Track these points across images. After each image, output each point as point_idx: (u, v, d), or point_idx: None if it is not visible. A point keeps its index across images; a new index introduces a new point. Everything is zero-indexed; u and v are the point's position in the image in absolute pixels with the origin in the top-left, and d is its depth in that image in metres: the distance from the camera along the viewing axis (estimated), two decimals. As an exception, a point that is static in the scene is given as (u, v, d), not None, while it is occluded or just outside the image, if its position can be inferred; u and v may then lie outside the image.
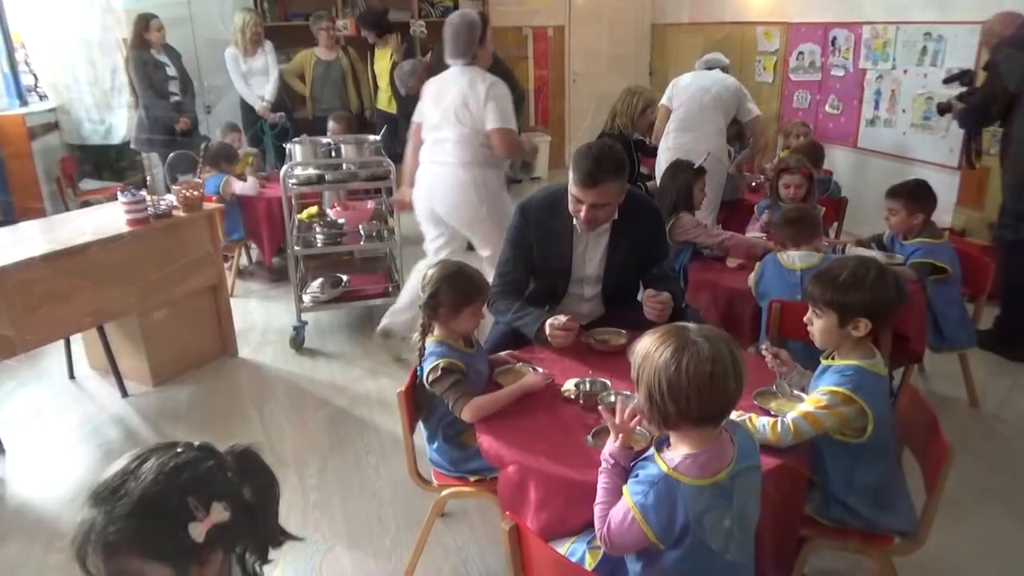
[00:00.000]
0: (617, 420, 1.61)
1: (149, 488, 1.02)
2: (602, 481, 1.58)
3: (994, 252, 3.83)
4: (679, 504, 1.41)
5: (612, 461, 1.59)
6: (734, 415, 1.77)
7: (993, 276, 3.22)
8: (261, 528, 1.14)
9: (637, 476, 1.51)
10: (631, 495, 1.47)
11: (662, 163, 4.31)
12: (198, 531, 1.02)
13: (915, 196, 3.14)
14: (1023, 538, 2.50)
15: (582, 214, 2.39)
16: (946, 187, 4.98)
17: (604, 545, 1.52)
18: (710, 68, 4.72)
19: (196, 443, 1.10)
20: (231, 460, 1.11)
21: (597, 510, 1.54)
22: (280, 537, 1.17)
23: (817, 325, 1.92)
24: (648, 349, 1.46)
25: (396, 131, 5.17)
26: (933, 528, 1.85)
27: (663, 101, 4.57)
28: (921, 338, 2.98)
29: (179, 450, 1.08)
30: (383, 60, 6.07)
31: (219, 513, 1.04)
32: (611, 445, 1.61)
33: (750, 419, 1.79)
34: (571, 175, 2.36)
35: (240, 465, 1.12)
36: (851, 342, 1.87)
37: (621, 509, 1.48)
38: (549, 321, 2.34)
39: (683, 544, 1.43)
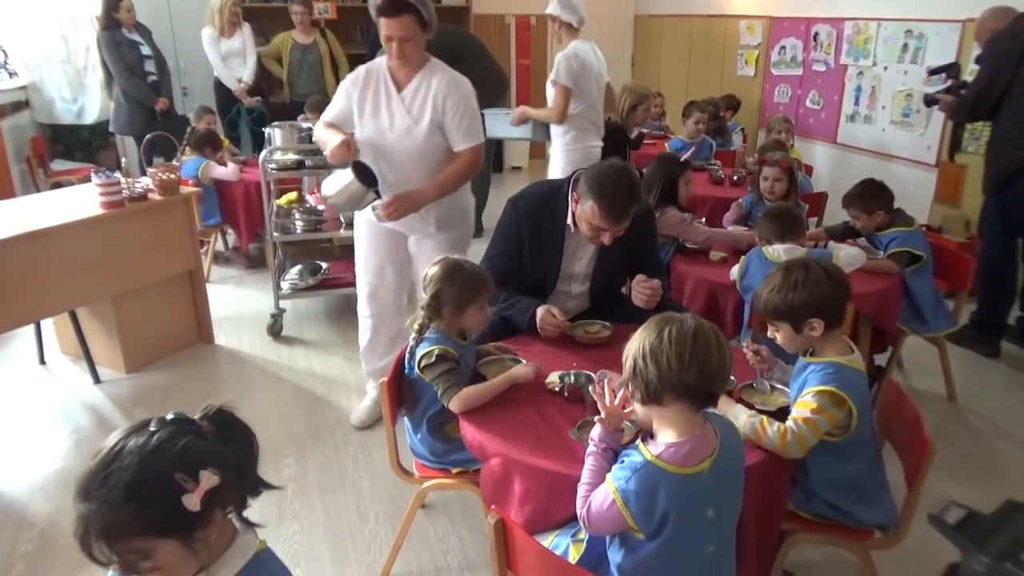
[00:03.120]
0: (607, 403, 1.61)
1: (135, 474, 1.03)
2: (589, 463, 1.58)
3: (973, 248, 3.88)
4: (660, 492, 1.41)
5: (603, 445, 1.58)
6: (746, 418, 1.79)
7: (973, 272, 3.26)
8: (248, 480, 1.19)
9: (622, 463, 1.51)
10: (613, 480, 1.47)
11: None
12: (192, 502, 1.05)
13: (865, 198, 3.22)
14: (996, 532, 2.53)
15: (605, 240, 2.36)
16: (924, 184, 5.05)
17: (583, 525, 1.53)
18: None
19: (169, 416, 1.11)
20: (207, 423, 1.14)
21: (581, 490, 1.55)
22: (260, 487, 1.21)
23: (780, 338, 1.93)
24: (637, 333, 1.51)
25: None
26: (912, 522, 1.86)
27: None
28: (893, 322, 3.04)
29: (154, 428, 1.09)
30: None
31: (208, 479, 1.06)
32: (601, 428, 1.60)
33: (762, 423, 1.78)
34: (593, 207, 2.27)
35: (217, 426, 1.15)
36: (823, 340, 1.87)
37: (603, 492, 1.49)
38: (541, 313, 2.33)
39: (663, 533, 1.44)
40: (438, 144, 2.75)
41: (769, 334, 1.98)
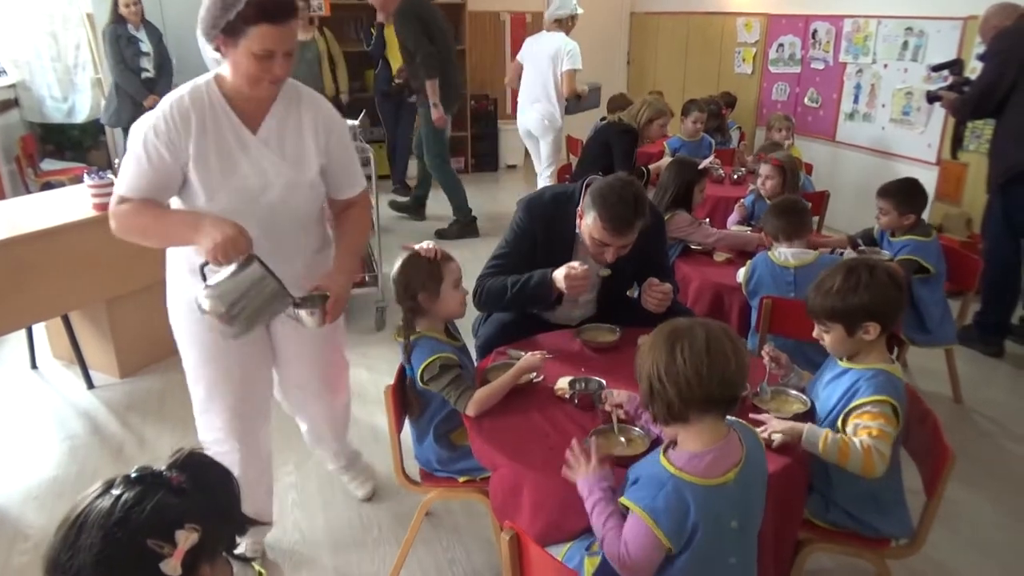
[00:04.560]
0: (593, 457, 1.56)
1: (101, 551, 0.92)
2: (600, 508, 1.49)
3: (975, 246, 3.86)
4: (690, 505, 1.36)
5: (604, 485, 1.52)
6: (826, 437, 1.72)
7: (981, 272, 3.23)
8: (231, 524, 1.10)
9: (636, 482, 1.46)
10: (637, 501, 1.41)
11: None
12: (172, 567, 0.95)
13: (906, 196, 3.15)
14: (1009, 533, 2.51)
15: (609, 256, 2.30)
16: (924, 182, 4.98)
17: (620, 566, 1.43)
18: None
19: (133, 473, 0.99)
20: (177, 474, 1.02)
21: (609, 536, 1.46)
22: (246, 525, 1.12)
23: (828, 340, 1.87)
24: (646, 345, 1.45)
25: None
26: (921, 526, 1.84)
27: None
28: (898, 324, 2.99)
29: (118, 491, 0.97)
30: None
31: (187, 539, 0.96)
32: (592, 473, 1.54)
33: (844, 443, 1.71)
34: (596, 220, 2.23)
35: (189, 475, 1.03)
36: (871, 346, 1.83)
37: (632, 521, 1.42)
38: (567, 265, 2.26)
39: (690, 546, 1.39)
40: (319, 195, 2.08)
41: (815, 334, 1.91)
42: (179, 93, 1.87)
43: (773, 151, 4.20)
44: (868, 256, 2.53)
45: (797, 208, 2.85)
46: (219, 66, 1.90)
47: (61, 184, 4.98)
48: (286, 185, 1.95)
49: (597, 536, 1.50)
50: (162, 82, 5.43)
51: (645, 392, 1.43)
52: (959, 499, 2.65)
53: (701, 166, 3.46)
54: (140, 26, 5.32)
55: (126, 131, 5.20)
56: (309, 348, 2.22)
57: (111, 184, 3.29)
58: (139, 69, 5.34)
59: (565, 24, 5.33)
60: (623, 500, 1.45)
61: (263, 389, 2.23)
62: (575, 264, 2.26)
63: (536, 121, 5.44)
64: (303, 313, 1.91)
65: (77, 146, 6.37)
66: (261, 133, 1.92)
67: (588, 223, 2.28)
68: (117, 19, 5.24)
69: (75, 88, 6.16)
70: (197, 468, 1.05)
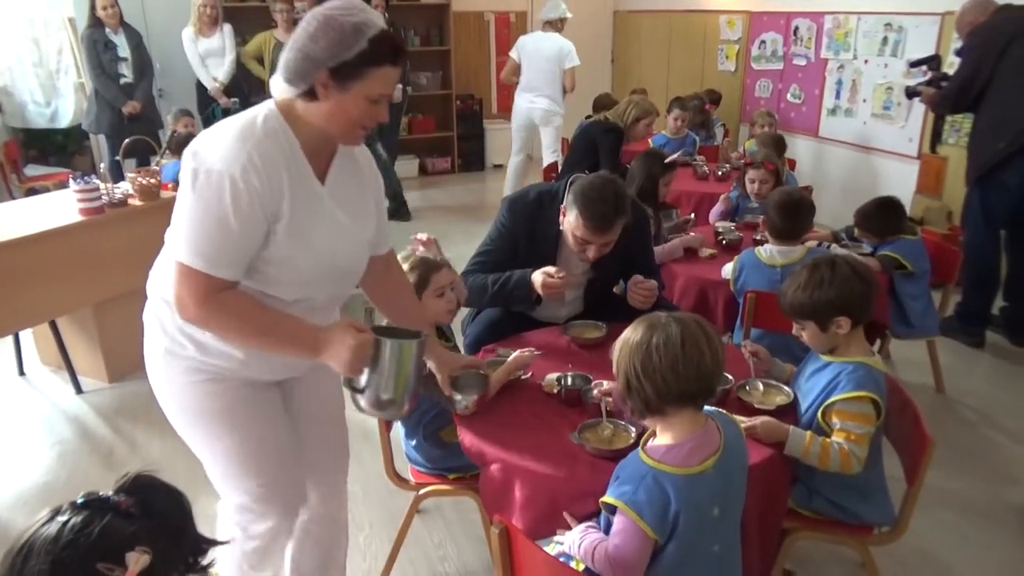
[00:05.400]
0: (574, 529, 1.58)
1: None
2: (588, 537, 1.51)
3: (955, 238, 3.91)
4: (670, 494, 1.39)
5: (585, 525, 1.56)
6: (808, 441, 1.77)
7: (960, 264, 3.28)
8: (185, 545, 1.08)
9: (619, 478, 1.49)
10: (620, 496, 1.43)
11: None
12: None
13: (883, 223, 3.15)
14: (989, 521, 2.56)
15: (591, 254, 2.33)
16: (905, 176, 5.09)
17: (612, 571, 1.44)
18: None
19: (80, 499, 0.98)
20: (125, 497, 1.00)
21: (586, 543, 1.48)
22: (203, 545, 1.11)
23: (806, 336, 1.92)
24: (622, 339, 1.48)
25: None
26: (903, 513, 1.88)
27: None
28: (884, 313, 3.06)
29: (64, 517, 0.96)
30: None
31: (138, 561, 0.96)
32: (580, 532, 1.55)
33: (824, 447, 1.77)
34: (578, 218, 2.26)
35: (137, 498, 1.02)
36: (848, 339, 1.86)
37: (618, 518, 1.43)
38: (544, 270, 2.30)
39: (675, 536, 1.41)
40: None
41: (794, 332, 1.96)
42: (255, 134, 1.46)
43: (771, 142, 4.23)
44: (830, 252, 2.54)
45: (803, 206, 2.79)
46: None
47: (46, 189, 4.97)
48: (353, 244, 1.66)
49: (582, 557, 1.50)
50: (142, 87, 5.35)
51: (623, 388, 1.46)
52: (942, 487, 2.69)
53: (668, 160, 3.46)
54: (119, 29, 5.18)
55: (108, 137, 5.19)
56: (316, 390, 1.86)
57: (96, 189, 3.30)
58: (117, 75, 5.22)
59: (555, 25, 5.72)
60: (606, 498, 1.46)
61: (291, 459, 1.79)
62: (551, 270, 2.29)
63: (540, 112, 5.83)
64: (459, 397, 1.88)
65: (61, 151, 6.34)
66: (328, 185, 1.59)
67: (570, 221, 2.30)
68: (94, 23, 5.11)
69: (58, 93, 6.13)
70: (145, 491, 1.04)
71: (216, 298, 1.45)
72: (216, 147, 1.44)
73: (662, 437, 1.47)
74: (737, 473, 1.51)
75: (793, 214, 2.76)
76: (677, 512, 1.39)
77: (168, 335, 1.61)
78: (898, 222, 3.16)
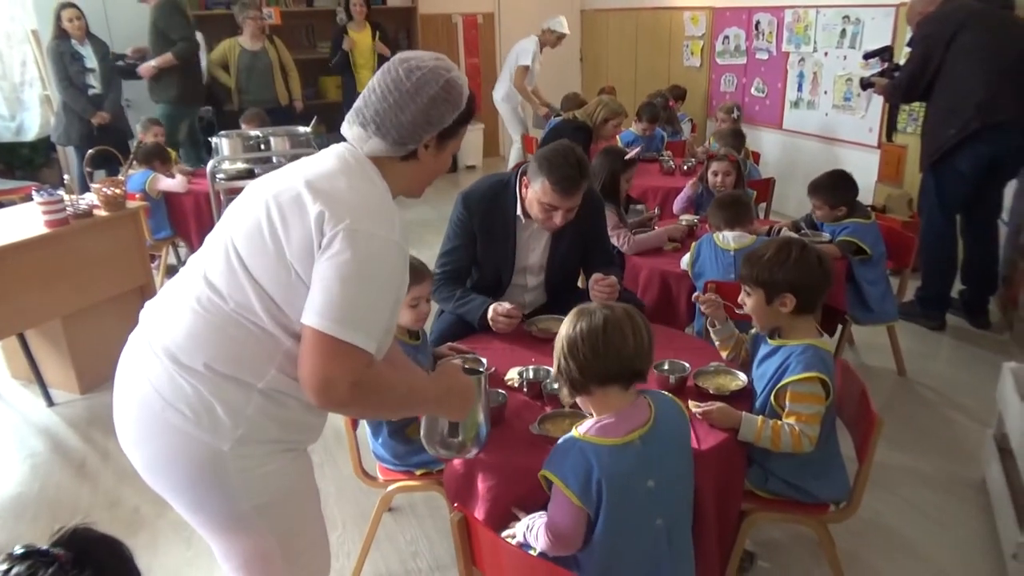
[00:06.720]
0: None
1: None
2: (537, 522, 1.59)
3: (916, 226, 4.00)
4: (592, 463, 1.46)
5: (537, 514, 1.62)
6: (760, 425, 1.84)
7: (916, 249, 3.36)
8: None
9: (554, 453, 1.56)
10: (548, 467, 1.52)
11: None
12: None
13: (833, 190, 3.26)
14: (948, 496, 2.63)
15: (557, 219, 2.38)
16: (867, 165, 5.18)
17: (549, 545, 1.53)
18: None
19: (18, 550, 0.95)
20: (63, 551, 0.97)
21: (536, 527, 1.57)
22: None
23: (748, 304, 1.99)
24: (560, 328, 1.58)
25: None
26: (865, 493, 1.93)
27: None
28: (841, 299, 3.16)
29: (3, 567, 0.93)
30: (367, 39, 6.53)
31: None
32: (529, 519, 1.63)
33: (775, 430, 1.84)
34: (544, 183, 2.31)
35: (75, 551, 0.98)
36: (792, 321, 1.93)
37: (552, 492, 1.52)
38: (492, 307, 2.35)
39: (602, 507, 1.46)
40: None
41: (740, 299, 2.03)
42: (385, 194, 1.41)
43: (730, 136, 4.32)
44: (798, 237, 2.63)
45: (739, 202, 2.96)
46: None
47: (12, 203, 4.91)
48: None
49: (532, 541, 1.58)
50: (110, 97, 5.34)
51: (555, 368, 1.57)
52: (901, 465, 2.77)
53: (628, 156, 3.51)
54: (85, 41, 5.17)
55: (77, 149, 5.15)
56: None
57: (60, 201, 3.29)
58: (85, 86, 5.20)
59: (546, 35, 6.25)
60: (541, 473, 1.54)
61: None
62: (504, 307, 2.35)
63: (496, 100, 6.64)
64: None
65: (28, 164, 6.29)
66: None
67: (536, 190, 2.36)
68: (60, 34, 5.09)
69: (23, 106, 6.07)
70: (83, 543, 1.01)
71: (367, 374, 1.30)
72: (367, 212, 1.32)
73: (592, 416, 1.56)
74: (672, 447, 1.56)
75: (729, 206, 2.91)
76: (599, 480, 1.45)
77: (248, 421, 1.35)
78: (847, 190, 3.26)
